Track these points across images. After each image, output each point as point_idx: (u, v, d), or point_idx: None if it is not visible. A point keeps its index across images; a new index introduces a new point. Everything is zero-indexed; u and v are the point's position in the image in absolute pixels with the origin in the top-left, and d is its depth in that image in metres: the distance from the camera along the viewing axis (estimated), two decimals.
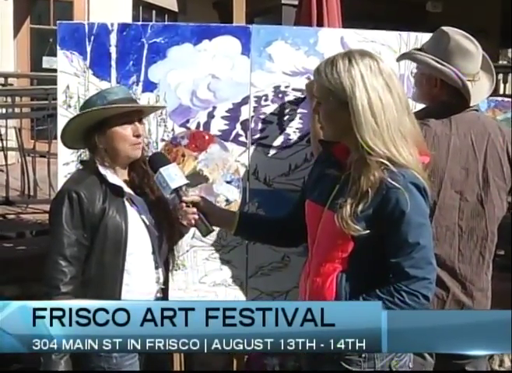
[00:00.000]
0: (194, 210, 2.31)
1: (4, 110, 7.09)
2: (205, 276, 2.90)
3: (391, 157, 1.98)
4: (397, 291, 1.96)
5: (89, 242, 2.29)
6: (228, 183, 2.88)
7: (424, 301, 1.98)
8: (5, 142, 6.61)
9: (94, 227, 2.28)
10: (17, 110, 7.12)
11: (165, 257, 2.48)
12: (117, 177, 2.37)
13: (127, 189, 2.38)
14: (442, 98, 2.52)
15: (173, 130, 2.85)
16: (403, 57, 2.68)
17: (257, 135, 2.87)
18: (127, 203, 2.36)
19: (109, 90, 2.41)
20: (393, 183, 1.96)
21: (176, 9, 11.05)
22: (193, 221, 2.31)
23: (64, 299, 2.19)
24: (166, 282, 2.49)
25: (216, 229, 2.69)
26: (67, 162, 2.80)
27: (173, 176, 2.29)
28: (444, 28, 2.54)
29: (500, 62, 10.73)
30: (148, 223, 2.40)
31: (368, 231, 1.99)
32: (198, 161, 2.86)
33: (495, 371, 3.91)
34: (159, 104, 2.79)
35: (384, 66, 2.04)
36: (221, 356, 3.52)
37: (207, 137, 2.86)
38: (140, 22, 3.07)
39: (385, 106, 1.99)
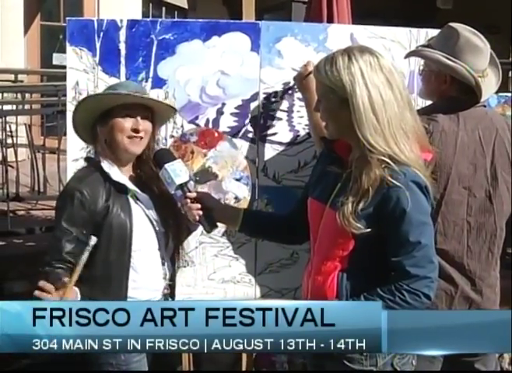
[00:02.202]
0: (199, 206, 2.31)
1: (14, 107, 7.11)
2: (213, 273, 2.90)
3: (392, 154, 1.97)
4: (398, 290, 1.96)
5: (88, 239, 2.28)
6: (237, 180, 2.87)
7: (425, 300, 1.98)
8: (15, 139, 6.62)
9: (98, 225, 2.28)
10: (27, 107, 7.13)
11: (171, 253, 2.48)
12: (121, 174, 2.37)
13: (131, 186, 2.38)
14: (451, 94, 2.51)
15: (182, 126, 2.84)
16: (412, 54, 2.66)
17: (267, 132, 2.86)
18: (131, 200, 2.36)
19: (120, 83, 2.45)
20: (393, 181, 1.96)
21: (186, 6, 11.05)
22: (197, 217, 2.32)
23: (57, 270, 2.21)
24: (173, 278, 2.49)
25: (224, 226, 2.69)
26: (76, 158, 2.79)
27: (178, 171, 2.30)
28: (452, 24, 2.53)
29: (511, 59, 10.66)
30: (153, 219, 2.40)
31: (369, 230, 1.99)
32: (207, 158, 2.86)
33: (505, 371, 3.89)
34: (168, 101, 2.79)
35: (384, 62, 2.03)
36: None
37: (216, 135, 2.86)
38: (149, 19, 3.07)
39: (386, 103, 1.98)
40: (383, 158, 1.97)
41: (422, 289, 1.97)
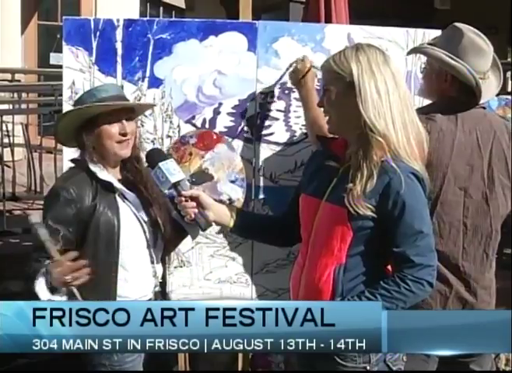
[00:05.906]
0: (194, 204, 2.32)
1: (11, 106, 7.10)
2: (210, 273, 2.90)
3: (391, 140, 2.01)
4: (402, 280, 2.00)
5: (76, 237, 2.30)
6: (232, 182, 2.88)
7: (429, 289, 2.03)
8: (11, 138, 6.61)
9: (85, 223, 2.30)
10: (24, 106, 7.12)
11: (161, 252, 2.49)
12: (107, 173, 2.38)
13: (118, 185, 2.39)
14: (451, 94, 2.51)
15: (178, 126, 2.84)
16: (414, 51, 2.67)
17: (263, 132, 2.87)
18: (118, 199, 2.38)
19: (99, 88, 2.42)
20: (395, 167, 2.01)
21: (183, 6, 11.04)
22: (193, 215, 2.32)
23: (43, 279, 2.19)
24: (164, 277, 2.51)
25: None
26: (72, 157, 2.79)
27: (171, 170, 2.30)
28: (457, 24, 2.54)
29: (509, 59, 10.68)
30: (141, 218, 2.41)
31: (375, 215, 2.02)
32: (204, 159, 2.86)
33: (500, 371, 3.89)
34: (163, 100, 2.79)
35: (390, 60, 2.11)
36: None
37: (215, 137, 2.86)
38: (146, 18, 3.07)
39: (390, 92, 2.04)
40: (381, 140, 2.01)
41: (426, 277, 2.02)
